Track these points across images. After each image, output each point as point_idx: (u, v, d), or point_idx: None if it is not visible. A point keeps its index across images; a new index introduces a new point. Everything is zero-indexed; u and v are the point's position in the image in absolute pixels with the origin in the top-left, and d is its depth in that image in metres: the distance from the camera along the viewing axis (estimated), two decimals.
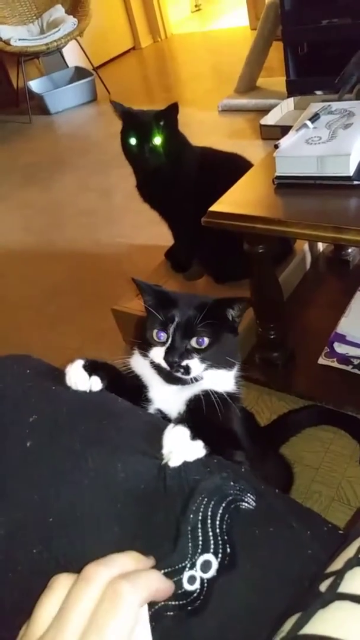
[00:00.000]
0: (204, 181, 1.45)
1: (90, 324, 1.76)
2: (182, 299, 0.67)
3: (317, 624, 0.34)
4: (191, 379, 0.63)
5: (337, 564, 0.40)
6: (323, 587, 0.38)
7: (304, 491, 1.11)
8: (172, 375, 0.63)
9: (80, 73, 4.01)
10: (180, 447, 0.52)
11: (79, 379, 0.61)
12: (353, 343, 1.20)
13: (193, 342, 0.63)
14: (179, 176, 1.46)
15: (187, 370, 0.62)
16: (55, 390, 0.61)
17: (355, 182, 1.00)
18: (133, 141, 1.37)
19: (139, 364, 0.68)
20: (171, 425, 0.55)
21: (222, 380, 0.67)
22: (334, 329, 1.25)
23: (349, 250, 1.57)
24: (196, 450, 0.54)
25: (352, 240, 0.94)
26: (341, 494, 1.09)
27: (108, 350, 1.54)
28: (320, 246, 1.64)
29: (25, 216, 2.61)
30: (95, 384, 0.62)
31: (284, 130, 2.42)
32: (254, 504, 0.51)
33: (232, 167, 1.45)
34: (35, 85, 3.92)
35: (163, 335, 0.64)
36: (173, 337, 0.63)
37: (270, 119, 2.49)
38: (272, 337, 1.28)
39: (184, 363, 0.62)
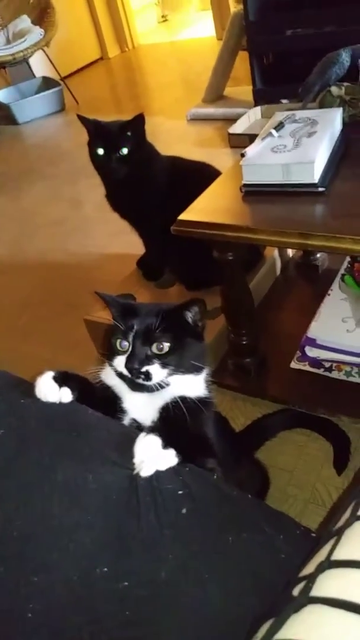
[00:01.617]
0: (173, 190, 1.46)
1: (63, 334, 1.74)
2: (144, 308, 0.68)
3: (290, 629, 0.35)
4: (155, 385, 0.64)
5: (310, 568, 0.40)
6: (296, 591, 0.38)
7: (279, 495, 1.12)
8: (135, 382, 0.64)
9: (47, 83, 4.00)
10: (152, 457, 0.53)
11: (49, 390, 0.61)
12: (324, 346, 1.22)
13: (153, 349, 0.64)
14: (147, 185, 1.47)
15: (147, 376, 0.63)
16: (23, 403, 0.61)
17: (320, 189, 1.03)
18: (100, 151, 1.37)
19: (110, 375, 0.68)
20: (142, 435, 0.55)
21: (191, 386, 0.67)
22: (305, 333, 1.27)
23: (318, 255, 1.60)
24: (168, 459, 0.54)
25: (318, 246, 0.95)
26: (316, 497, 1.10)
27: (81, 361, 1.51)
28: (290, 252, 1.66)
29: None
30: (65, 395, 0.61)
31: (251, 138, 2.43)
32: None
33: (201, 175, 1.46)
34: (2, 95, 3.90)
35: (125, 344, 0.64)
36: (133, 344, 0.64)
37: (238, 128, 2.52)
38: (244, 342, 1.30)
39: (143, 369, 0.63)
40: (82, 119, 1.38)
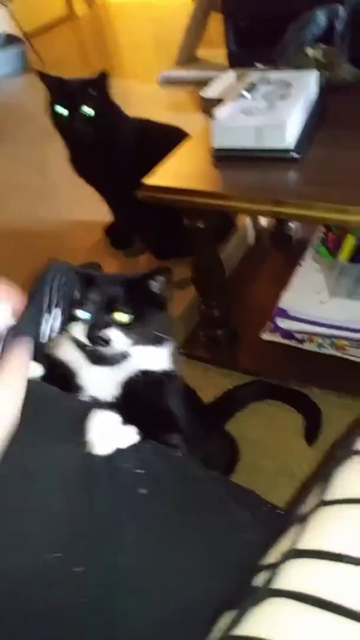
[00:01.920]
0: (141, 154, 1.39)
1: None
2: (106, 278, 0.65)
3: (250, 624, 0.32)
4: (116, 356, 0.60)
5: (273, 556, 0.38)
6: (258, 581, 0.36)
7: (249, 467, 1.11)
8: (95, 354, 0.60)
9: (10, 40, 3.79)
10: (109, 434, 0.49)
11: None
12: (295, 318, 1.20)
13: (115, 317, 0.61)
14: (114, 149, 1.40)
15: (107, 342, 0.60)
16: None
17: (294, 155, 0.98)
18: (62, 111, 1.29)
19: (66, 349, 0.64)
20: (98, 411, 0.52)
21: (154, 359, 0.64)
22: (277, 305, 1.25)
23: (291, 224, 1.56)
24: (127, 436, 0.51)
25: (291, 214, 0.92)
26: (287, 469, 1.10)
27: None
28: (263, 221, 1.63)
29: None
30: (35, 369, 0.58)
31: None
32: None
33: (171, 140, 1.39)
34: None
35: (85, 314, 0.61)
36: (95, 313, 0.60)
37: (210, 92, 2.43)
38: (215, 314, 1.27)
39: (104, 335, 0.59)
40: (41, 76, 1.30)
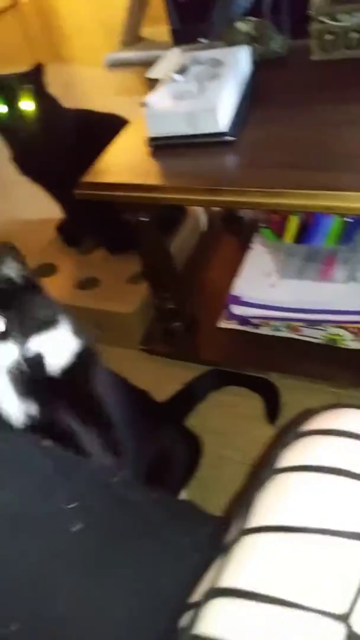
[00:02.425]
0: (82, 146, 1.34)
1: None
2: None
3: None
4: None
5: (197, 593, 0.36)
6: (184, 621, 0.34)
7: (214, 459, 1.09)
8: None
9: None
10: None
11: None
12: (248, 303, 1.18)
13: None
14: (55, 143, 1.35)
15: None
16: None
17: (228, 138, 0.95)
18: (0, 108, 1.24)
19: None
20: None
21: (54, 344, 0.59)
22: (229, 291, 1.23)
23: None
24: None
25: (228, 202, 0.89)
26: (251, 457, 1.09)
27: None
28: None
29: None
30: None
31: None
32: None
33: (110, 128, 1.35)
34: None
35: None
36: None
37: (156, 72, 2.37)
38: (169, 306, 1.24)
39: None
40: None
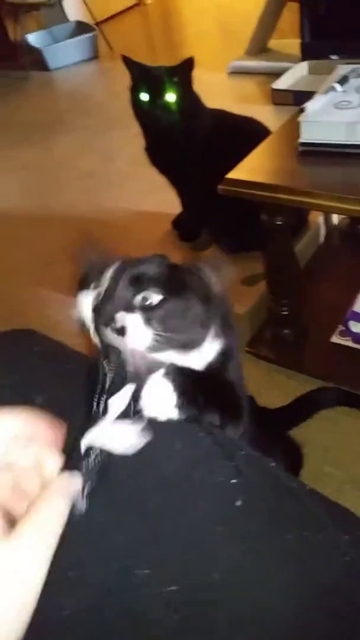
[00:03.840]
0: (217, 145, 1.37)
1: None
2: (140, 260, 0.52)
3: None
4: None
5: None
6: None
7: (312, 474, 1.07)
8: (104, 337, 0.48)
9: (81, 28, 3.82)
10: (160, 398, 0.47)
11: None
12: None
13: (138, 298, 0.47)
14: (192, 137, 1.39)
15: (122, 330, 0.46)
16: (68, 369, 0.56)
17: None
18: (144, 97, 1.29)
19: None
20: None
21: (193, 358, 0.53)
22: (350, 307, 1.20)
23: None
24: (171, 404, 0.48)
25: None
26: (353, 477, 1.06)
27: None
28: (335, 219, 1.58)
29: (21, 178, 2.50)
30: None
31: (296, 95, 2.33)
32: None
33: (248, 131, 1.37)
34: (33, 38, 3.74)
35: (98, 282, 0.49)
36: (112, 281, 0.48)
37: (282, 83, 2.38)
38: (284, 312, 1.23)
39: (118, 316, 0.46)
40: (126, 61, 1.29)
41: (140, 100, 1.30)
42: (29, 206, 2.26)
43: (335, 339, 1.23)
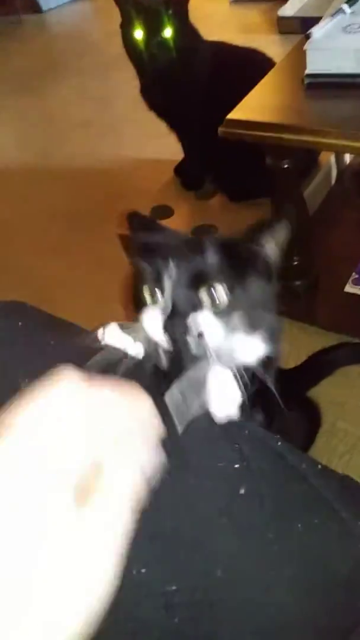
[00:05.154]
0: (217, 82, 1.26)
1: (94, 250, 1.63)
2: (191, 242, 0.52)
3: None
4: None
5: None
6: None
7: (327, 429, 1.04)
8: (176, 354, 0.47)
9: None
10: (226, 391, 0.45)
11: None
12: None
13: (202, 294, 0.47)
14: (190, 76, 1.28)
15: (199, 335, 0.46)
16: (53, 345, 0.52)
17: None
18: (138, 34, 1.17)
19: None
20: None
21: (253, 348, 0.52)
22: None
23: None
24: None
25: None
26: None
27: (113, 282, 1.43)
28: (348, 158, 1.47)
29: (18, 129, 2.40)
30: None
31: (304, 22, 2.15)
32: None
33: (251, 65, 1.26)
34: None
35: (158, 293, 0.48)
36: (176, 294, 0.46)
37: (288, 10, 2.20)
38: (294, 263, 1.17)
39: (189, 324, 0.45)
40: None
41: (133, 38, 1.19)
42: (27, 158, 2.18)
43: (349, 288, 1.17)
